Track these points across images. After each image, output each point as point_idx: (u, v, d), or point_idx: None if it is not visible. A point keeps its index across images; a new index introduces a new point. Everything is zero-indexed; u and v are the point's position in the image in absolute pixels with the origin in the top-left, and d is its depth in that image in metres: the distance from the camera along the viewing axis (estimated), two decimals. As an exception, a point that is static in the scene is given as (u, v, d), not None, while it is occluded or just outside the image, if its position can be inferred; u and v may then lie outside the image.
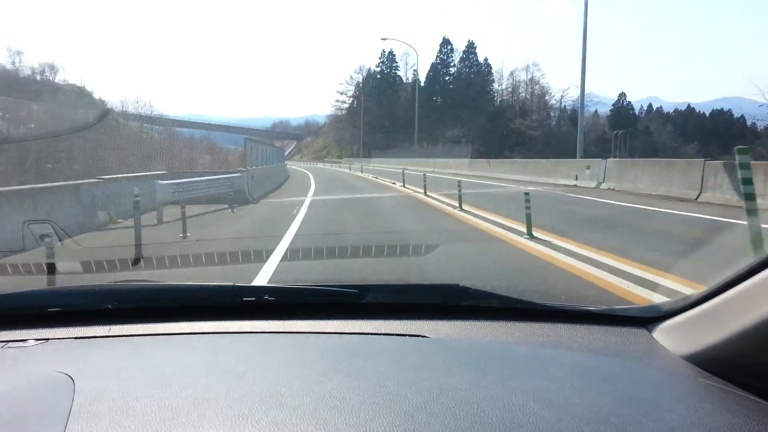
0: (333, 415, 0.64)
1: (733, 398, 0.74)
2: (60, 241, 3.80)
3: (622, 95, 76.12)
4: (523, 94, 74.20)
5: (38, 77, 53.99)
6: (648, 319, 1.02)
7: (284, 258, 4.38)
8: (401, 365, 0.82)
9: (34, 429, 0.63)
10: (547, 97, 72.48)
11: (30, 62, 64.34)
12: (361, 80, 76.80)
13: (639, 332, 1.00)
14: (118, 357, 0.91)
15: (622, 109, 72.79)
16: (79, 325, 1.06)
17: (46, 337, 1.01)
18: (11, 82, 46.57)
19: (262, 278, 3.56)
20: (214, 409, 0.66)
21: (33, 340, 0.99)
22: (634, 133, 66.78)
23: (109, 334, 1.04)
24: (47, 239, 3.72)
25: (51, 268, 3.41)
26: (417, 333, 1.00)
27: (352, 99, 79.46)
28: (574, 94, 70.93)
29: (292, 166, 43.88)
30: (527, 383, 0.76)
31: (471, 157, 26.12)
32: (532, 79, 74.37)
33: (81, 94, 51.81)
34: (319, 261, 4.24)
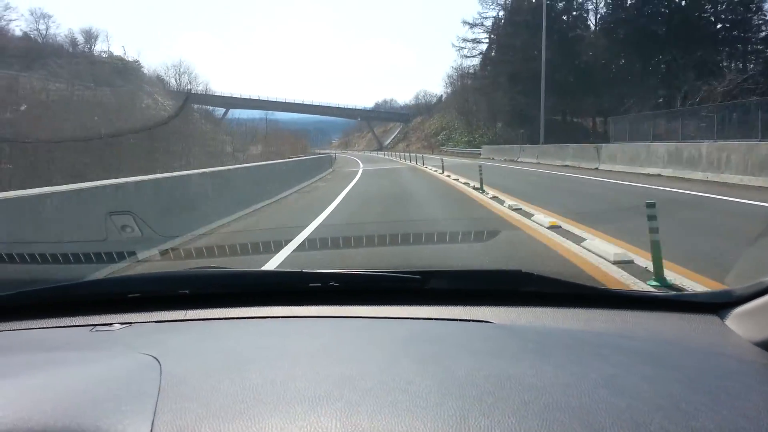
0: (404, 398, 0.82)
1: None
2: (140, 230, 4.60)
3: None
4: None
5: (70, 48, 53.42)
6: (718, 304, 1.21)
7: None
8: (467, 351, 1.04)
9: (127, 408, 0.83)
10: None
11: (62, 29, 60.83)
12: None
13: (709, 318, 1.19)
14: (197, 339, 1.21)
15: None
16: (158, 310, 1.40)
17: (130, 321, 1.34)
18: (30, 53, 42.64)
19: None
20: (292, 390, 0.86)
21: (118, 324, 1.32)
22: None
23: (186, 318, 1.37)
24: (128, 229, 4.57)
25: (131, 255, 4.15)
26: (480, 318, 1.25)
27: (490, 34, 54.63)
28: None
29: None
30: (595, 369, 0.92)
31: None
32: None
33: (124, 70, 50.35)
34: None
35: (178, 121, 36.82)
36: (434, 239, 5.31)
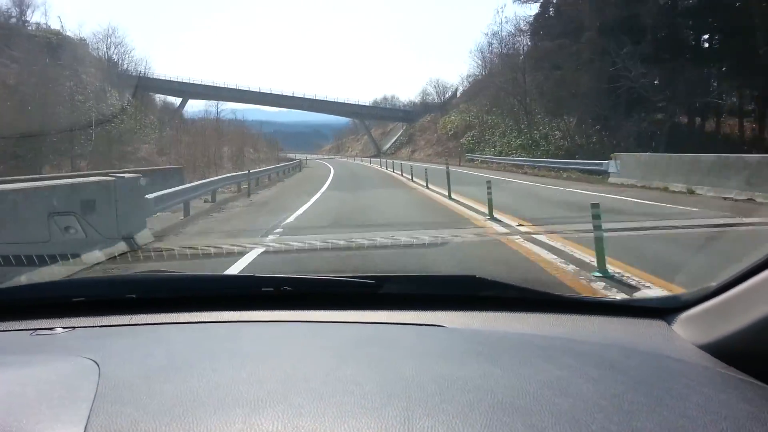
0: (350, 399, 1.05)
1: (750, 388, 1.15)
2: (84, 232, 5.76)
3: None
4: None
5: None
6: (666, 309, 1.60)
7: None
8: (417, 354, 1.35)
9: (61, 411, 1.05)
10: None
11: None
12: None
13: (656, 323, 1.57)
14: (141, 344, 1.51)
15: None
16: (104, 314, 1.73)
17: (73, 326, 1.66)
18: None
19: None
20: (234, 393, 1.09)
21: (60, 328, 1.63)
22: None
23: (132, 323, 1.69)
24: (71, 230, 5.73)
25: (75, 257, 5.29)
26: (433, 323, 1.60)
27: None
28: None
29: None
30: (541, 372, 1.19)
31: None
32: None
33: (59, 47, 49.91)
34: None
35: (96, 113, 36.50)
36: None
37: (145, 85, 60.28)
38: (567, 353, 1.35)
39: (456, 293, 1.83)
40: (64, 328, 1.65)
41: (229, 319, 1.73)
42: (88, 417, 1.02)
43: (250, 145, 52.47)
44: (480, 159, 46.99)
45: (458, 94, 78.99)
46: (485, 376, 1.18)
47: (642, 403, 1.05)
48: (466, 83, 75.80)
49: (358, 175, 33.64)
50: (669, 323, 1.58)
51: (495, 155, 45.23)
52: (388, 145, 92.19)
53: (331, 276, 1.84)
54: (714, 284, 1.48)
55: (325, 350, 1.41)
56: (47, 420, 1.03)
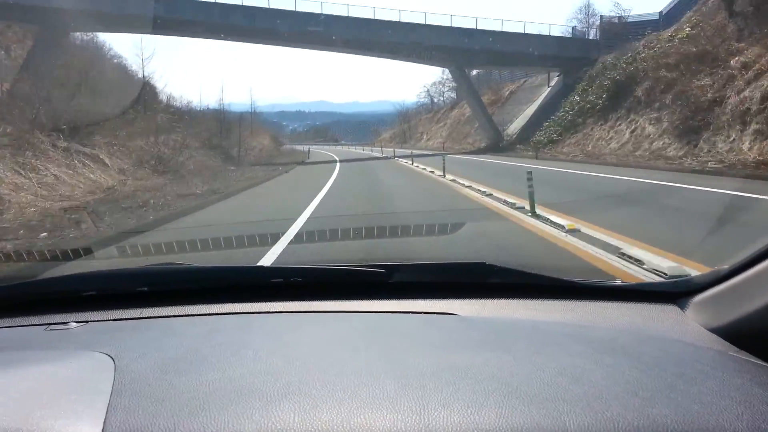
0: (365, 390, 1.73)
1: (764, 372, 1.87)
2: (96, 226, 10.03)
3: None
4: None
5: None
6: (678, 293, 2.63)
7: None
8: (429, 343, 2.25)
9: (80, 407, 1.69)
10: None
11: None
12: None
13: (668, 308, 2.58)
14: (155, 337, 2.48)
15: None
16: (116, 308, 2.96)
17: (87, 320, 2.81)
18: None
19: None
20: (250, 386, 1.81)
21: (74, 323, 2.74)
22: None
23: (144, 316, 2.90)
24: (83, 225, 10.71)
25: (87, 253, 9.30)
26: (445, 311, 2.70)
27: None
28: None
29: None
30: (554, 359, 1.92)
31: None
32: None
33: None
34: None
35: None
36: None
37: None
38: (580, 340, 2.11)
39: (467, 280, 3.00)
40: (77, 322, 2.67)
41: (239, 311, 2.80)
42: (107, 412, 1.65)
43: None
44: None
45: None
46: (499, 364, 1.88)
47: (656, 389, 1.66)
48: None
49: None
50: (681, 307, 2.51)
51: None
52: (515, 124, 74.36)
53: (340, 265, 3.02)
54: (726, 267, 2.31)
55: (337, 341, 2.27)
56: (66, 416, 1.64)
